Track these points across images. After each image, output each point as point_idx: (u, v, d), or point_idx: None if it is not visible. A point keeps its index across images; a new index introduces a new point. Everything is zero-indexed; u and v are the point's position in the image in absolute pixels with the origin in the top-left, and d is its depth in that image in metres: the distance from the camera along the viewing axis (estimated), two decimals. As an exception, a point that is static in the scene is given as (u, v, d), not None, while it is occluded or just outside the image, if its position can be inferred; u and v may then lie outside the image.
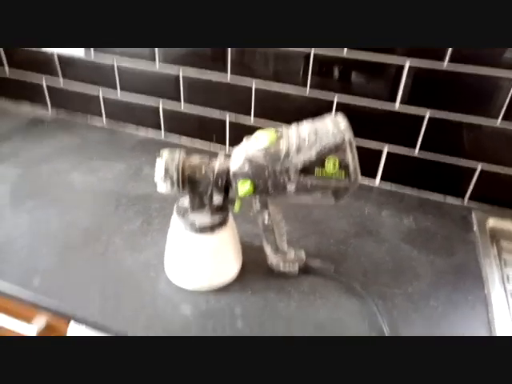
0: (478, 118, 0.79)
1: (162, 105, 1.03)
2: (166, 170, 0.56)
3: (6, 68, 1.16)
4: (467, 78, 0.76)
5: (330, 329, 0.59)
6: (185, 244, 0.62)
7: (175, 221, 0.62)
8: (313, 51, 0.83)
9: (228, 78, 0.93)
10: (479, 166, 0.83)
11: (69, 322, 0.64)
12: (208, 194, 0.59)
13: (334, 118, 0.56)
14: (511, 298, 0.69)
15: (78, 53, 1.04)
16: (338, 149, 0.52)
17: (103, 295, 0.62)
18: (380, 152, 0.89)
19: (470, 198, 0.87)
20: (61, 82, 1.12)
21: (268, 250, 0.66)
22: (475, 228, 0.81)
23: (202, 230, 0.60)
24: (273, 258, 0.66)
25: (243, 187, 0.56)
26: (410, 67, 0.78)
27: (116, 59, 1.01)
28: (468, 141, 0.82)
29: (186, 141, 1.07)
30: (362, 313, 0.62)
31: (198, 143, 1.06)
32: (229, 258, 0.65)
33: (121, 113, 1.10)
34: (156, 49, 0.96)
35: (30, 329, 0.68)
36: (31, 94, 1.17)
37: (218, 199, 0.61)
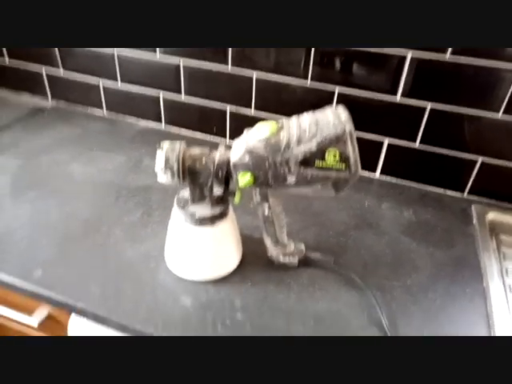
0: (479, 110, 0.79)
1: (162, 95, 1.03)
2: (167, 161, 0.56)
3: (6, 58, 1.15)
4: (469, 69, 0.76)
5: (330, 321, 0.59)
6: (185, 235, 0.62)
7: (175, 212, 0.62)
8: (314, 42, 0.83)
9: (229, 69, 0.92)
10: (480, 159, 0.83)
11: (70, 314, 0.64)
12: (208, 186, 0.59)
13: (335, 110, 0.56)
14: (510, 291, 0.69)
15: (77, 43, 1.04)
16: (338, 140, 0.52)
17: (103, 286, 0.63)
18: (381, 144, 0.89)
19: (470, 191, 0.87)
20: (61, 72, 1.11)
21: (268, 241, 0.66)
22: (475, 221, 0.81)
23: (202, 221, 0.60)
24: (273, 250, 0.66)
25: (243, 178, 0.56)
26: (411, 59, 0.78)
27: (116, 49, 1.00)
28: (469, 133, 0.82)
29: (186, 132, 1.06)
30: (361, 305, 0.62)
31: (199, 135, 1.05)
32: (229, 250, 0.65)
33: (121, 103, 1.09)
34: (156, 39, 0.95)
35: (31, 320, 0.69)
36: (31, 84, 1.16)
37: (218, 190, 0.61)
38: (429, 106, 0.81)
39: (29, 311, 0.69)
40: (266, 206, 0.62)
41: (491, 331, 0.59)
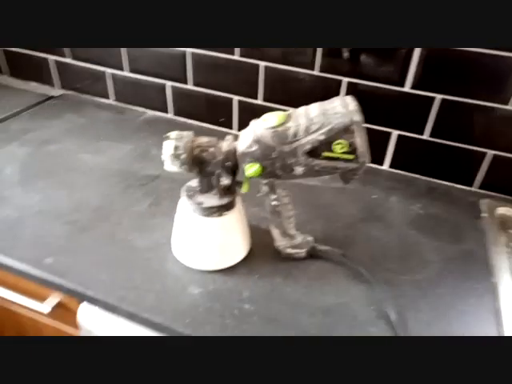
0: (490, 102, 0.77)
1: (169, 85, 1.03)
2: (175, 149, 0.56)
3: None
4: (481, 59, 0.74)
5: (337, 314, 0.59)
6: (192, 225, 0.62)
7: (183, 202, 0.62)
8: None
9: (236, 58, 0.92)
10: (490, 153, 0.82)
11: (80, 302, 0.64)
12: (216, 175, 0.59)
13: (344, 100, 0.55)
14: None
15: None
16: (346, 130, 0.52)
17: (113, 275, 0.63)
18: (389, 136, 0.88)
19: (480, 186, 0.86)
20: (69, 61, 1.11)
21: (275, 233, 0.66)
22: (484, 215, 0.80)
23: (210, 211, 0.60)
24: (280, 242, 0.66)
25: (251, 168, 0.56)
26: (421, 49, 0.77)
27: (124, 38, 1.00)
28: (480, 126, 0.80)
29: (193, 122, 1.06)
30: (368, 298, 0.62)
31: (206, 125, 1.05)
32: (236, 241, 0.65)
33: (128, 93, 1.09)
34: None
35: (42, 307, 0.69)
36: (39, 72, 1.17)
37: (225, 180, 0.61)
38: (438, 97, 0.80)
39: (40, 298, 0.70)
40: (273, 196, 0.62)
41: (500, 327, 0.58)
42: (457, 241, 0.74)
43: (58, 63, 1.13)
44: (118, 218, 0.74)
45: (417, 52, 0.77)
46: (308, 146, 0.53)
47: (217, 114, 1.02)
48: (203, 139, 0.59)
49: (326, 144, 0.53)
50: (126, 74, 1.06)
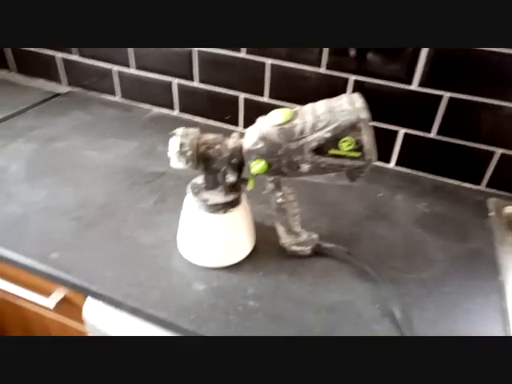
0: (499, 99, 0.77)
1: (175, 82, 1.03)
2: (181, 146, 0.56)
3: (21, 43, 1.15)
4: (489, 57, 0.73)
5: (342, 312, 0.59)
6: (198, 222, 0.62)
7: (189, 199, 0.62)
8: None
9: (242, 56, 0.92)
10: (498, 151, 0.81)
11: (85, 297, 0.65)
12: (221, 172, 0.59)
13: (351, 97, 0.55)
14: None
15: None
16: (353, 128, 0.52)
17: (118, 271, 0.63)
18: (396, 134, 0.88)
19: (488, 184, 0.86)
20: (76, 58, 1.11)
21: (280, 230, 0.66)
22: (491, 214, 0.79)
23: (215, 208, 0.60)
24: (285, 239, 0.66)
25: (257, 165, 0.56)
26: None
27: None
28: (488, 124, 0.80)
29: (199, 120, 1.06)
30: (373, 297, 0.62)
31: (212, 122, 1.05)
32: (241, 238, 0.65)
33: (135, 90, 1.09)
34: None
35: (48, 302, 0.70)
36: (46, 69, 1.17)
37: (231, 177, 0.61)
38: (446, 95, 0.80)
39: (45, 293, 0.71)
40: (278, 194, 0.62)
41: (507, 326, 0.58)
42: (463, 239, 0.73)
43: (64, 60, 1.13)
44: (123, 215, 0.74)
45: (425, 50, 0.77)
46: (314, 144, 0.53)
47: (223, 112, 1.02)
48: (209, 136, 0.59)
49: (333, 141, 0.53)
50: (133, 71, 1.06)
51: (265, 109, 0.59)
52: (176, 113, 1.08)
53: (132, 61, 1.04)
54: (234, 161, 0.58)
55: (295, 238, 0.66)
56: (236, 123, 1.02)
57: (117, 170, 0.86)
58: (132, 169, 0.87)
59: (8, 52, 1.20)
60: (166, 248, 0.67)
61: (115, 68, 1.08)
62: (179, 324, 0.56)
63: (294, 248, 0.66)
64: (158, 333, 0.60)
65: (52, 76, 1.18)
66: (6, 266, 0.67)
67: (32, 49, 1.15)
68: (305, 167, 0.55)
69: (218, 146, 0.57)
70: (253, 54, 0.90)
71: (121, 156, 0.91)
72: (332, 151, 0.53)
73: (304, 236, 0.66)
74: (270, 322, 0.57)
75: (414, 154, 0.89)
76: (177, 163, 0.58)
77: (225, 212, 0.61)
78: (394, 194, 0.84)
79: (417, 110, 0.84)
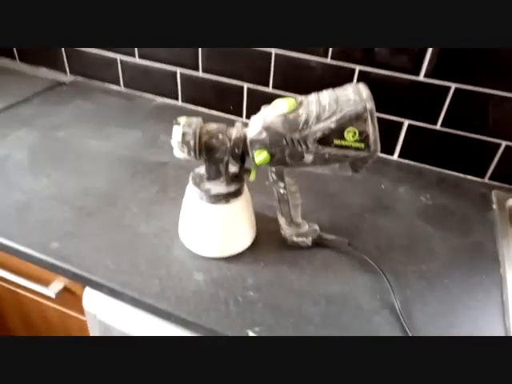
0: (506, 91, 0.76)
1: (179, 72, 1.02)
2: (184, 135, 0.55)
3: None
4: (496, 48, 0.72)
5: (341, 303, 0.59)
6: (199, 212, 0.62)
7: (190, 189, 0.62)
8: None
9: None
10: (503, 144, 0.81)
11: (85, 287, 0.65)
12: (224, 162, 0.59)
13: (356, 87, 0.54)
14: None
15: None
16: (358, 118, 0.51)
17: (118, 260, 0.63)
18: (400, 126, 0.87)
19: (492, 177, 0.85)
20: (79, 48, 1.11)
21: (282, 221, 0.65)
22: (494, 207, 0.79)
23: (217, 199, 0.60)
24: (286, 230, 0.66)
25: (260, 156, 0.55)
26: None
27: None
28: (494, 116, 0.79)
29: (202, 110, 1.06)
30: (374, 288, 0.61)
31: (215, 112, 1.04)
32: (242, 228, 0.65)
33: (138, 79, 1.09)
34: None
35: (48, 292, 0.70)
36: (50, 58, 1.17)
37: (234, 168, 0.61)
38: (453, 86, 0.79)
39: (45, 283, 0.71)
40: (281, 185, 0.61)
41: (508, 320, 0.58)
42: (466, 232, 0.73)
43: (68, 49, 1.13)
44: (125, 204, 0.74)
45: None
46: (319, 134, 0.53)
47: (227, 102, 1.01)
48: (212, 126, 0.58)
49: (338, 132, 0.52)
50: (137, 60, 1.05)
51: (269, 99, 0.58)
52: (180, 102, 1.07)
53: (136, 50, 1.04)
54: (237, 151, 0.57)
55: (296, 228, 0.65)
56: (240, 114, 1.01)
57: (119, 160, 0.86)
58: (134, 158, 0.86)
59: (11, 40, 1.19)
60: (166, 238, 0.67)
61: (119, 57, 1.07)
62: (178, 314, 0.56)
63: (295, 239, 0.66)
64: (156, 322, 0.61)
65: (55, 65, 1.17)
66: (6, 254, 0.67)
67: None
68: (308, 158, 0.55)
69: (220, 136, 0.57)
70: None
71: (123, 145, 0.90)
72: (337, 142, 0.53)
73: (305, 227, 0.66)
74: (270, 311, 0.57)
75: (418, 146, 0.88)
76: (179, 153, 0.57)
77: (226, 202, 0.61)
78: (397, 185, 0.84)
79: (422, 102, 0.83)
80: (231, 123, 0.59)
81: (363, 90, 0.54)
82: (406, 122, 0.86)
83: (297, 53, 0.87)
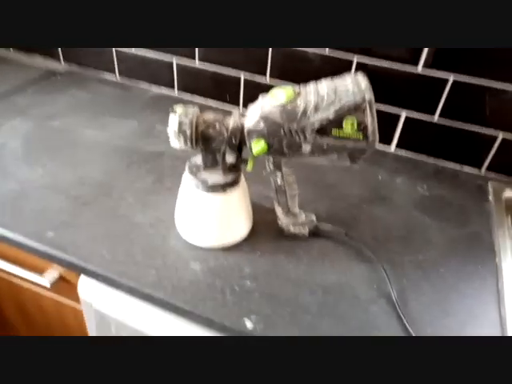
0: (504, 83, 0.75)
1: (175, 61, 1.01)
2: (180, 125, 0.55)
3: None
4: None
5: (338, 292, 0.59)
6: (196, 202, 0.62)
7: (187, 179, 0.62)
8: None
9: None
10: (500, 135, 0.81)
11: (80, 275, 0.65)
12: (221, 152, 0.58)
13: (355, 77, 0.54)
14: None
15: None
16: (357, 109, 0.51)
17: (114, 249, 0.63)
18: (398, 117, 0.87)
19: (488, 168, 0.85)
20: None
21: (279, 211, 0.65)
22: (491, 198, 0.79)
23: (214, 188, 0.60)
24: (283, 220, 0.66)
25: (257, 146, 0.55)
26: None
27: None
28: (491, 108, 0.79)
29: (199, 99, 1.05)
30: (370, 278, 0.62)
31: (212, 102, 1.04)
32: (239, 218, 0.65)
33: (134, 68, 1.08)
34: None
35: (43, 281, 0.70)
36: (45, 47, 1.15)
37: (231, 158, 0.60)
38: (451, 77, 0.78)
39: (41, 272, 0.71)
40: (278, 175, 0.61)
41: (503, 309, 0.58)
42: (462, 223, 0.73)
43: (62, 37, 1.11)
44: (120, 194, 0.73)
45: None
46: (317, 124, 0.52)
47: (223, 92, 1.01)
48: (209, 115, 0.58)
49: (336, 122, 0.52)
50: (133, 49, 1.04)
51: (266, 90, 0.58)
52: (176, 92, 1.07)
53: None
54: (234, 141, 0.57)
55: (293, 218, 0.65)
56: (237, 103, 1.01)
57: (115, 149, 0.85)
58: (130, 148, 0.86)
59: (5, 28, 1.17)
60: (163, 227, 0.67)
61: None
62: (175, 303, 0.56)
63: (292, 229, 0.66)
64: (152, 311, 0.61)
65: (51, 54, 1.16)
66: (2, 244, 0.67)
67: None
68: (306, 148, 0.54)
69: (217, 125, 0.57)
70: (254, 32, 0.89)
71: (119, 135, 0.90)
72: (334, 132, 0.53)
73: (302, 217, 0.66)
74: (267, 301, 0.57)
75: (416, 137, 0.88)
76: (175, 142, 0.57)
77: (223, 192, 0.60)
78: (394, 176, 0.84)
79: (420, 93, 0.83)
80: (228, 113, 0.59)
81: (362, 80, 0.53)
82: (404, 113, 0.86)
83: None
